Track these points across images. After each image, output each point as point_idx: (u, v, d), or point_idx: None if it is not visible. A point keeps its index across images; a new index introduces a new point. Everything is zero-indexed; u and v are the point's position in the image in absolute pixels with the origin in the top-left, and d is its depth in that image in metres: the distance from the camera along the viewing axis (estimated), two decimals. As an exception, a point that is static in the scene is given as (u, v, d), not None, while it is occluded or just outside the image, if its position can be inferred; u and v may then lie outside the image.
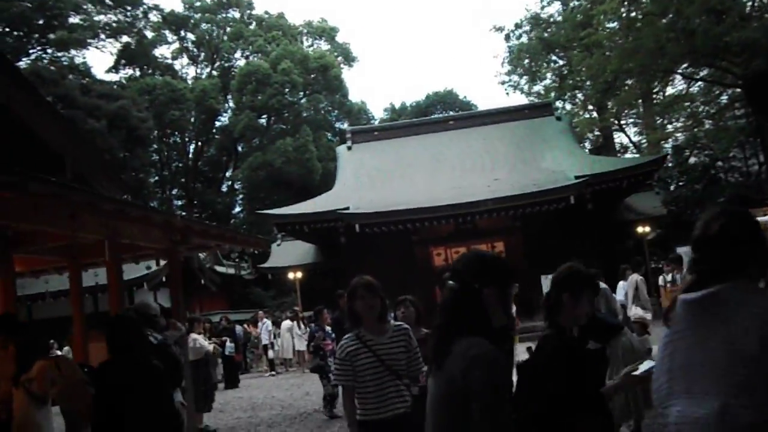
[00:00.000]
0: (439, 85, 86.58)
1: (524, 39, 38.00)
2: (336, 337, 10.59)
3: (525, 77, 39.42)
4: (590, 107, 35.43)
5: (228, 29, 48.25)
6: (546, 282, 18.66)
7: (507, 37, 38.48)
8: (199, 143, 46.81)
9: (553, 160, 21.63)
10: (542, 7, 36.96)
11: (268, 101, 41.28)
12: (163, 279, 20.79)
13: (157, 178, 45.01)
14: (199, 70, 49.35)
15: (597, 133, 37.00)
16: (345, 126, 40.94)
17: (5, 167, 4.66)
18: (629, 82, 27.96)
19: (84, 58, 43.43)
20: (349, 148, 25.95)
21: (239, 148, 46.45)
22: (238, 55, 48.41)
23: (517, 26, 37.98)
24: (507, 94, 52.64)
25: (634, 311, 10.93)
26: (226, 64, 48.53)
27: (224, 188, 48.12)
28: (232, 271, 28.43)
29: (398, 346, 4.04)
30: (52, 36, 36.22)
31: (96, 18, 39.12)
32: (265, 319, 21.58)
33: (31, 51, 36.70)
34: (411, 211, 19.14)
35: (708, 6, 20.69)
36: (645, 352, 7.13)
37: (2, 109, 7.29)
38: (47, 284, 12.98)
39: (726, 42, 20.50)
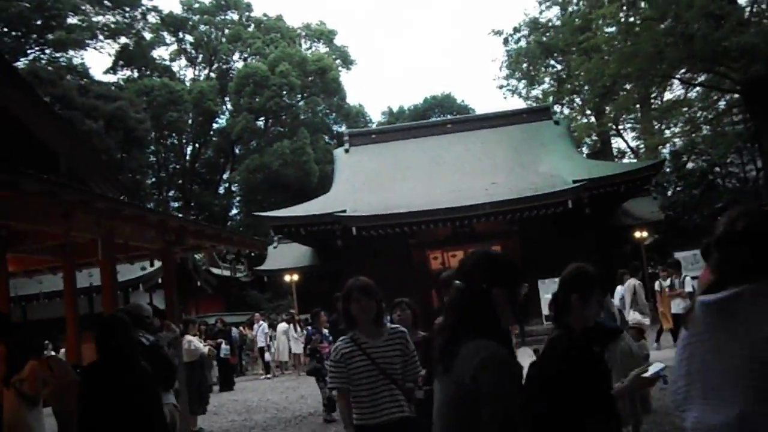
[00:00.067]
0: (437, 88, 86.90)
1: (523, 43, 37.98)
2: (333, 339, 10.53)
3: (523, 81, 39.43)
4: (588, 112, 35.41)
5: (226, 31, 48.25)
6: (543, 286, 18.67)
7: (505, 41, 38.46)
8: (197, 145, 46.77)
9: (551, 165, 21.57)
10: (541, 12, 36.98)
11: (266, 103, 41.25)
12: (159, 280, 20.75)
13: (154, 179, 44.96)
14: (197, 72, 49.38)
15: (594, 137, 36.98)
16: (342, 129, 40.89)
17: (-2, 165, 4.61)
18: (628, 86, 27.93)
19: (82, 58, 43.34)
20: (347, 151, 25.88)
21: (236, 150, 46.40)
22: (236, 57, 48.45)
23: (516, 30, 37.95)
24: (505, 98, 52.98)
25: (632, 316, 10.87)
26: (224, 66, 48.53)
27: (221, 190, 48.05)
28: (228, 273, 28.35)
29: (394, 349, 3.96)
30: (50, 36, 36.15)
31: (94, 19, 39.06)
32: (261, 322, 21.52)
33: (29, 51, 36.62)
34: (408, 215, 19.07)
35: (707, 11, 20.66)
36: (643, 358, 7.09)
37: (-2, 107, 7.25)
38: (41, 284, 12.88)
39: (725, 47, 20.48)
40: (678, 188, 28.08)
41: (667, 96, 32.14)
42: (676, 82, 28.45)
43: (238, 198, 47.31)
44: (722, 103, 28.88)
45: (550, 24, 36.63)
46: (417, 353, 4.12)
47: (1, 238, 7.01)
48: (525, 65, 37.87)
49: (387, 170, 23.30)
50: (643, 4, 24.39)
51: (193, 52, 49.04)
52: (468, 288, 2.32)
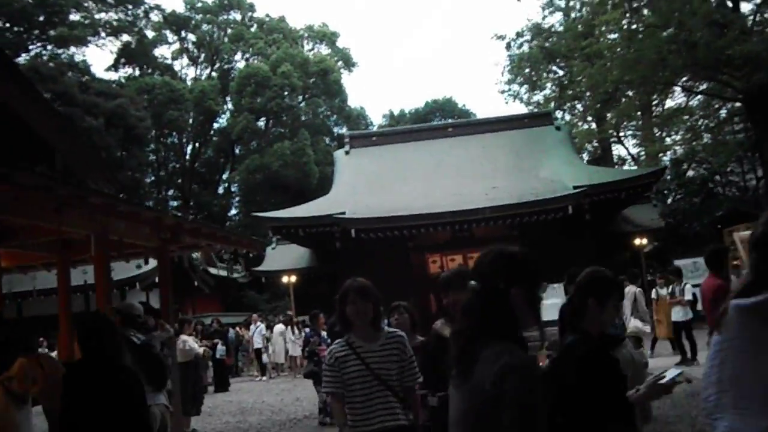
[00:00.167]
0: (438, 92, 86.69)
1: (525, 48, 37.96)
2: (331, 342, 10.41)
3: (525, 86, 39.37)
4: (589, 118, 35.41)
5: (229, 31, 48.24)
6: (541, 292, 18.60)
7: (508, 46, 38.48)
8: (197, 144, 46.70)
9: (551, 170, 21.51)
10: (544, 17, 37.04)
11: (267, 104, 41.23)
12: (156, 279, 20.64)
13: (153, 178, 44.91)
14: (198, 71, 49.31)
15: (595, 144, 36.96)
16: (343, 131, 40.88)
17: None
18: (629, 93, 27.91)
19: (84, 55, 43.35)
20: (347, 153, 25.81)
21: (237, 151, 46.37)
22: (238, 57, 48.44)
23: (519, 35, 37.95)
24: (506, 103, 53.05)
25: (633, 323, 10.80)
26: (226, 66, 48.50)
27: (221, 190, 48.00)
28: (225, 273, 28.27)
29: (390, 354, 3.83)
30: (52, 33, 36.11)
31: (97, 16, 39.08)
32: (258, 323, 21.40)
33: (30, 47, 36.57)
34: (408, 218, 19.01)
35: (710, 19, 20.66)
36: (642, 366, 7.01)
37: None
38: (35, 281, 12.76)
39: (728, 55, 20.45)
40: (678, 196, 28.08)
41: (669, 104, 32.21)
42: (677, 89, 28.48)
43: (237, 198, 47.25)
44: (723, 112, 28.91)
45: (552, 29, 36.68)
46: (416, 358, 3.97)
47: (-7, 232, 6.92)
48: (527, 70, 37.81)
49: (387, 173, 23.23)
50: (646, 11, 24.39)
51: (195, 51, 49.00)
52: (484, 289, 2.20)
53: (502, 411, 1.99)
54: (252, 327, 21.48)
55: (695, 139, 29.40)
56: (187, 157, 46.45)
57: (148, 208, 8.89)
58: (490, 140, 24.75)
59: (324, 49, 50.09)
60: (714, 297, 6.34)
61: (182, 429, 9.07)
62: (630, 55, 22.95)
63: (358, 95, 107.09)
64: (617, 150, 38.68)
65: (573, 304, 2.99)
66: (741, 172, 29.88)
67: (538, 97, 39.34)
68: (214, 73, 48.06)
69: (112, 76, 43.30)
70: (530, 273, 2.26)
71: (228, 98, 45.48)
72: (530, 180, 20.86)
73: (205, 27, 48.00)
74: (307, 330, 13.50)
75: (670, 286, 13.70)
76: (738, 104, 25.03)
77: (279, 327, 20.40)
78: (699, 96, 28.42)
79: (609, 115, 31.63)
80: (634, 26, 24.86)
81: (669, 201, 27.86)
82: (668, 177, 27.28)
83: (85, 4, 37.54)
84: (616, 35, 25.96)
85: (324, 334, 11.42)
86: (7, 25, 35.00)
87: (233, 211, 47.18)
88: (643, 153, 35.07)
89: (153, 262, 10.64)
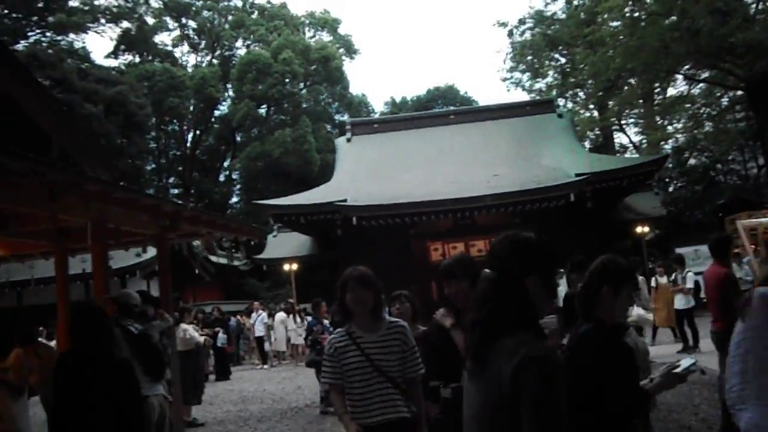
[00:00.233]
0: (440, 80, 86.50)
1: (527, 35, 37.79)
2: (334, 330, 10.37)
3: (527, 74, 39.25)
4: (591, 106, 35.29)
5: (229, 17, 47.97)
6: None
7: (510, 33, 38.29)
8: (198, 132, 46.52)
9: (553, 158, 21.40)
10: (546, 4, 36.87)
11: (268, 91, 41.04)
12: (156, 267, 20.57)
13: (154, 165, 44.73)
14: (199, 58, 49.07)
15: (597, 132, 36.83)
16: (345, 118, 40.71)
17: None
18: (631, 81, 27.79)
19: (83, 42, 42.91)
20: (349, 140, 25.69)
21: (238, 138, 46.22)
22: (239, 43, 48.15)
23: (521, 22, 37.79)
24: (508, 90, 52.92)
25: (636, 311, 10.73)
26: (227, 53, 48.25)
27: (222, 178, 47.85)
28: (225, 261, 28.22)
29: (391, 344, 3.73)
30: (51, 19, 35.85)
31: (96, 2, 38.88)
32: (260, 311, 21.32)
33: (29, 33, 36.37)
34: (409, 205, 18.92)
35: (713, 6, 20.55)
36: (646, 354, 6.95)
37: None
38: (33, 269, 12.70)
39: (730, 43, 20.36)
40: (680, 184, 28.05)
41: (671, 92, 32.08)
42: (679, 77, 28.36)
43: (238, 186, 47.16)
44: (725, 100, 28.83)
45: (555, 17, 36.52)
46: (418, 349, 3.86)
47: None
48: (529, 58, 37.66)
49: (389, 160, 23.12)
50: (648, -1, 24.23)
51: (195, 37, 48.76)
52: (499, 276, 2.11)
53: (521, 405, 1.91)
54: (254, 315, 21.41)
55: (697, 128, 29.28)
56: (188, 144, 46.29)
57: (146, 195, 8.78)
58: (492, 128, 24.63)
59: (325, 36, 49.85)
60: (718, 285, 6.30)
61: (183, 418, 9.02)
62: (632, 43, 22.84)
63: (359, 82, 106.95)
64: (619, 138, 38.56)
65: (587, 291, 2.92)
66: (742, 161, 29.82)
67: (540, 84, 39.25)
68: (214, 60, 47.81)
69: (112, 62, 43.17)
70: (547, 259, 2.18)
71: (229, 85, 45.26)
72: (532, 168, 20.76)
73: (205, 13, 47.75)
74: (310, 318, 13.45)
75: (673, 274, 13.70)
76: (740, 92, 24.94)
77: (280, 315, 20.35)
78: (701, 84, 28.32)
79: (611, 102, 31.51)
80: (636, 14, 24.73)
81: (671, 189, 27.84)
82: (670, 165, 27.22)
83: (85, -10, 37.36)
84: (618, 23, 25.84)
85: (326, 322, 11.38)
86: (6, 11, 34.80)
87: (234, 199, 47.13)
88: (645, 141, 34.93)
89: (153, 250, 10.56)
